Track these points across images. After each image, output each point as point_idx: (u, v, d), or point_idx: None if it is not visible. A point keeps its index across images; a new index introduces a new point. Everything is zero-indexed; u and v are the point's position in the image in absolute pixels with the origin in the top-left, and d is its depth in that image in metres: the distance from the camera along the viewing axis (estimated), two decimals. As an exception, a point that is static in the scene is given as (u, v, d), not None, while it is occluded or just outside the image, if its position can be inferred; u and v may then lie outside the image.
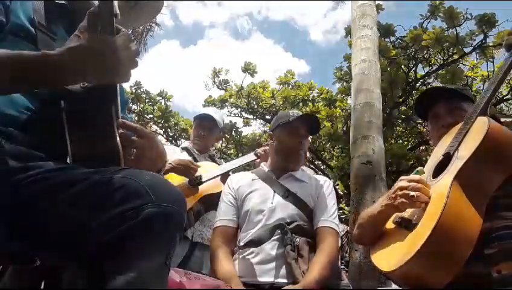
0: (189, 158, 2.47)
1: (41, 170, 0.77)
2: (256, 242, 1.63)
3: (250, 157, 2.35)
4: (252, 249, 1.63)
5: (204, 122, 2.53)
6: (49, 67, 0.74)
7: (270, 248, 1.60)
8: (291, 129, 1.82)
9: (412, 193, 1.13)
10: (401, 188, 1.17)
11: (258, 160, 2.32)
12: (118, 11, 0.79)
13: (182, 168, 2.18)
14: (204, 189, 2.21)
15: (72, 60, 0.74)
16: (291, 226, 1.62)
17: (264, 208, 1.69)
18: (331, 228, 1.66)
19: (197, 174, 2.25)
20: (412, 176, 1.21)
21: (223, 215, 1.77)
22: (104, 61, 0.74)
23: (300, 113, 1.86)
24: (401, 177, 1.22)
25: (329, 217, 1.69)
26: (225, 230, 1.72)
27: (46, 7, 0.95)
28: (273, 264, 1.57)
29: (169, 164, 2.19)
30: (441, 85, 5.93)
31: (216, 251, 1.66)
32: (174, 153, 2.51)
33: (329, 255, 1.56)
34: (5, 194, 0.74)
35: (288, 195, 1.73)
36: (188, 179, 2.24)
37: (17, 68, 0.73)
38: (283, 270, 1.54)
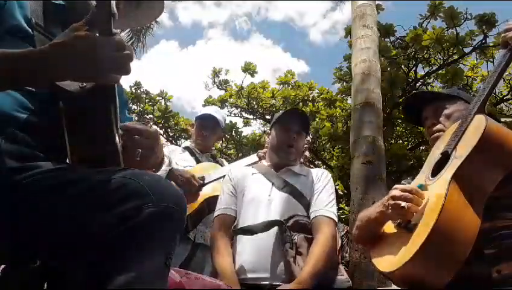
0: (191, 158, 2.47)
1: (41, 170, 0.77)
2: (251, 231, 1.63)
3: (252, 158, 2.35)
4: (249, 242, 1.63)
5: (207, 122, 2.53)
6: (31, 62, 0.73)
7: (269, 246, 1.59)
8: (282, 125, 1.86)
9: (402, 204, 1.13)
10: (394, 198, 1.17)
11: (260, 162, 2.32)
12: (115, 11, 0.79)
13: (183, 180, 2.16)
14: (207, 191, 2.21)
15: (53, 56, 0.73)
16: (289, 223, 1.62)
17: (262, 200, 1.71)
18: (326, 216, 1.65)
19: (200, 175, 2.24)
20: (405, 186, 1.21)
21: (223, 204, 1.79)
22: (84, 59, 0.73)
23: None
24: (395, 186, 1.22)
25: (325, 206, 1.69)
26: (225, 218, 1.75)
27: (44, 7, 0.95)
28: (272, 262, 1.56)
29: (171, 169, 2.16)
30: (440, 85, 5.96)
31: (215, 240, 1.69)
32: (175, 153, 2.51)
33: (324, 246, 1.56)
34: (5, 194, 0.74)
35: (286, 187, 1.74)
36: None
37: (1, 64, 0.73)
38: (282, 269, 1.54)
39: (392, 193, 1.19)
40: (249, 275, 1.58)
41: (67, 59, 0.73)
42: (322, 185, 1.78)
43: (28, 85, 0.82)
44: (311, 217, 1.68)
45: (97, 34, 0.76)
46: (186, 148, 2.56)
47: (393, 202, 1.17)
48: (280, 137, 1.85)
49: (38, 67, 0.74)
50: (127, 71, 0.77)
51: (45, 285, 0.90)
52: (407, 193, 1.16)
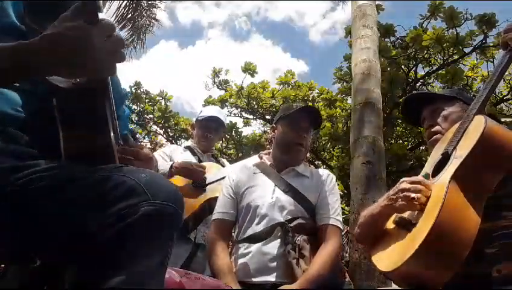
0: (193, 158, 2.48)
1: (38, 169, 0.77)
2: (255, 239, 1.62)
3: (253, 160, 2.35)
4: (251, 247, 1.62)
5: (211, 124, 2.54)
6: (22, 55, 0.72)
7: (271, 247, 1.59)
8: (292, 122, 1.79)
9: (413, 195, 1.13)
10: (403, 190, 1.17)
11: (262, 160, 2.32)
12: (101, 5, 0.78)
13: (186, 171, 2.18)
14: (208, 192, 2.21)
15: (44, 47, 0.71)
16: (292, 224, 1.61)
17: (264, 203, 1.68)
18: (335, 225, 1.65)
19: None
20: (414, 178, 1.21)
21: (221, 208, 1.76)
22: (75, 49, 0.71)
23: (302, 105, 1.82)
24: (403, 179, 1.22)
25: (332, 214, 1.67)
26: (222, 223, 1.73)
27: (36, 4, 0.94)
28: (274, 263, 1.56)
29: (175, 166, 2.18)
30: (440, 85, 5.96)
31: (213, 243, 1.67)
32: (176, 152, 2.51)
33: (330, 255, 1.56)
34: (4, 193, 0.74)
35: (289, 190, 1.71)
36: (192, 181, 2.23)
37: None
38: (284, 270, 1.54)
39: (401, 186, 1.19)
40: (252, 278, 1.57)
41: (58, 50, 0.71)
42: (328, 190, 1.75)
43: (20, 78, 0.80)
44: (318, 223, 1.66)
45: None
46: (188, 147, 2.57)
47: (402, 194, 1.17)
48: (290, 135, 1.78)
49: (30, 60, 0.72)
50: (121, 57, 0.76)
51: (45, 285, 0.91)
52: (416, 185, 1.16)
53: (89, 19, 0.73)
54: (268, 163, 1.86)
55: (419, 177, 1.21)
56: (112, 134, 0.85)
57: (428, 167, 1.29)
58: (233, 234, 1.84)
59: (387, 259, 1.15)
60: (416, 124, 1.56)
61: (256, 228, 1.65)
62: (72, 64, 0.73)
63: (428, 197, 1.14)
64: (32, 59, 0.72)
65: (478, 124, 1.14)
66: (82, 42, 0.71)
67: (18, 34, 0.87)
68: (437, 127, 1.39)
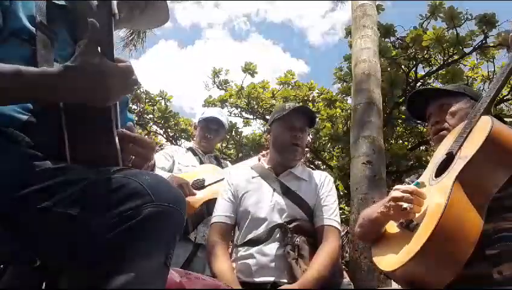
0: (195, 159, 2.48)
1: (41, 170, 0.77)
2: (255, 242, 1.63)
3: (253, 161, 2.35)
4: (251, 249, 1.62)
5: (211, 125, 2.55)
6: (43, 85, 0.75)
7: (271, 248, 1.60)
8: (286, 123, 1.78)
9: (404, 205, 1.13)
10: (395, 199, 1.17)
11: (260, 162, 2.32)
12: (116, 11, 0.79)
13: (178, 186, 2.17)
14: (207, 193, 2.21)
15: (66, 79, 0.75)
16: (292, 225, 1.62)
17: (263, 207, 1.68)
18: (333, 226, 1.65)
19: (200, 177, 2.25)
20: (406, 187, 1.21)
21: (221, 211, 1.76)
22: (94, 85, 0.76)
23: (295, 105, 1.82)
24: (396, 187, 1.22)
25: (331, 215, 1.68)
26: (222, 226, 1.72)
27: (47, 7, 0.95)
28: (274, 264, 1.57)
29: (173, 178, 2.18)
30: (440, 85, 5.95)
31: (213, 246, 1.67)
32: (178, 153, 2.51)
33: (330, 255, 1.56)
34: (5, 194, 0.74)
35: (287, 193, 1.71)
36: (191, 182, 2.23)
37: (15, 83, 0.74)
38: (284, 271, 1.55)
39: (393, 195, 1.18)
40: (253, 279, 1.58)
41: (80, 84, 0.75)
42: (326, 192, 1.75)
43: (40, 102, 0.84)
44: (317, 225, 1.67)
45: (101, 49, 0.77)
46: (190, 149, 2.58)
47: (394, 203, 1.16)
48: (285, 136, 1.77)
49: (50, 89, 0.76)
50: (132, 92, 0.83)
51: (45, 285, 0.90)
52: (408, 194, 1.15)
53: (106, 54, 0.77)
54: (267, 166, 1.86)
55: (411, 187, 1.20)
56: (116, 137, 0.86)
57: (432, 166, 1.28)
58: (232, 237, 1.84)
59: (389, 259, 1.15)
60: (422, 120, 1.55)
61: (256, 231, 1.65)
62: (88, 96, 0.77)
63: (421, 205, 1.13)
64: (52, 88, 0.76)
65: (484, 125, 1.13)
66: (100, 80, 0.76)
67: (28, 36, 0.88)
68: (444, 124, 1.37)
